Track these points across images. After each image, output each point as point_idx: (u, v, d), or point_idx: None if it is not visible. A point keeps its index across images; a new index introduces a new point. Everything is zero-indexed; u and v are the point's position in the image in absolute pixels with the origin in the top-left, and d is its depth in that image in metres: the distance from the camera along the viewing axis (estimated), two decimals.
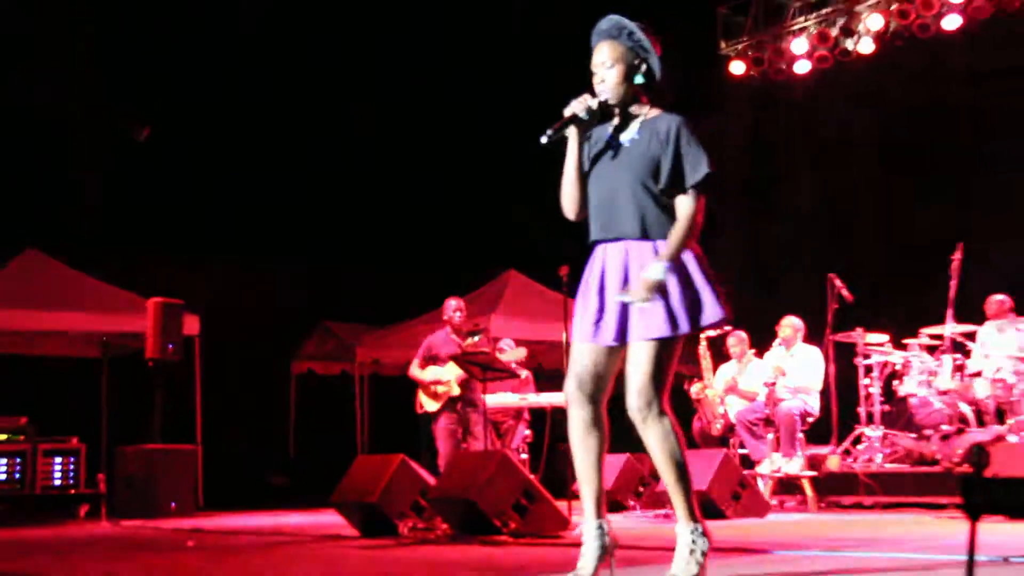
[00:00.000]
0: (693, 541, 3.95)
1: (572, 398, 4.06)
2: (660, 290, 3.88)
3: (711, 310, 3.95)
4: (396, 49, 15.52)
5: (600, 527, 4.00)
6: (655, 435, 3.93)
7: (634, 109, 4.13)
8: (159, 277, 12.32)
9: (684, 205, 4.00)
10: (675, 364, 4.00)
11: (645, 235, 3.99)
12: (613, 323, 3.98)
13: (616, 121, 4.15)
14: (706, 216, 4.05)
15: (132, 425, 11.62)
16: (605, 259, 4.06)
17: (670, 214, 4.01)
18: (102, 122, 14.84)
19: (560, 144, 4.09)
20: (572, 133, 4.08)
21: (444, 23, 15.01)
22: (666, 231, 3.99)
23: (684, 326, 3.92)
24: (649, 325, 3.91)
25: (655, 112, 4.11)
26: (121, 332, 12.13)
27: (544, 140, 4.03)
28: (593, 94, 4.09)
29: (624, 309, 3.96)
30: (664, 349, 3.92)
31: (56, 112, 14.45)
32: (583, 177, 4.13)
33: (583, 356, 4.06)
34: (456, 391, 9.58)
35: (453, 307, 9.85)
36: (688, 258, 3.98)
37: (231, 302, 14.12)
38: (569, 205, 4.17)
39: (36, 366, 13.21)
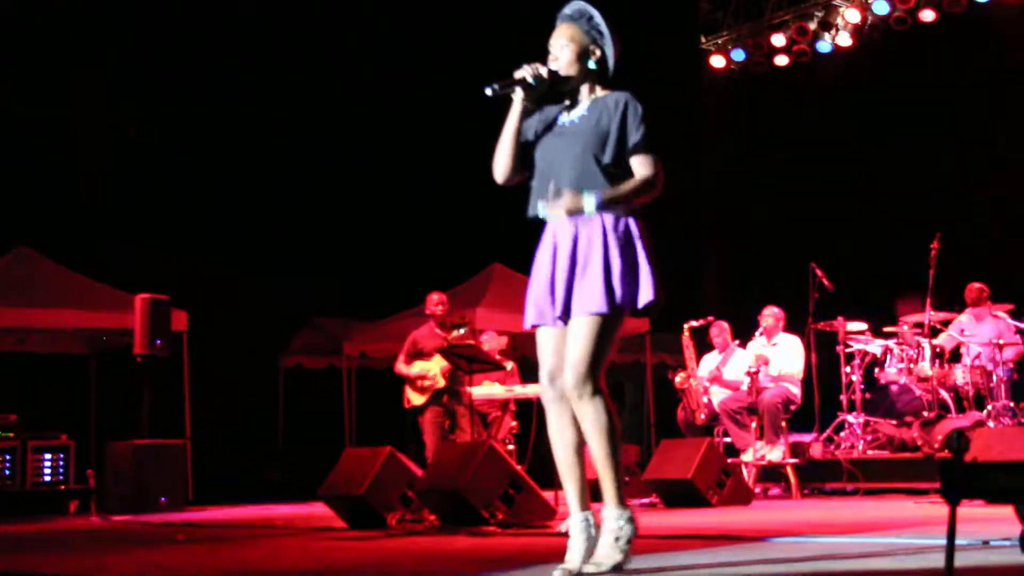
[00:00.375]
0: (620, 527, 3.91)
1: (546, 396, 4.06)
2: (576, 211, 3.92)
3: (646, 293, 3.94)
4: (391, 47, 15.44)
5: (586, 519, 3.96)
6: (589, 413, 3.90)
7: (584, 92, 4.14)
8: (148, 274, 12.26)
9: (642, 167, 4.01)
10: (614, 344, 3.97)
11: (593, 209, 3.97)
12: (561, 302, 3.97)
13: (567, 103, 4.16)
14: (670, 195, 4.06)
15: (121, 421, 11.60)
16: (556, 236, 4.05)
17: (619, 182, 4.00)
18: (98, 122, 14.80)
19: (504, 100, 4.09)
20: (518, 96, 4.07)
21: (444, 22, 14.91)
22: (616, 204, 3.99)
23: (619, 304, 3.91)
24: (586, 301, 3.91)
25: (605, 92, 4.12)
26: (109, 328, 12.10)
27: (488, 91, 4.04)
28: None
29: (570, 288, 3.95)
30: (602, 326, 3.90)
31: (53, 111, 14.41)
32: (518, 142, 4.12)
33: (548, 352, 4.04)
34: (442, 383, 9.58)
35: (435, 301, 9.87)
36: (635, 238, 3.98)
37: (219, 298, 14.07)
38: (500, 166, 4.16)
39: (25, 363, 13.16)
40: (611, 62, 4.11)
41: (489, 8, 14.54)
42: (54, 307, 11.72)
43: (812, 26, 13.58)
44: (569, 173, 3.99)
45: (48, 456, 10.57)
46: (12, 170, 13.85)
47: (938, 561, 3.18)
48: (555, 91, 4.15)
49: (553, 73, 4.08)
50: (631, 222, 4.00)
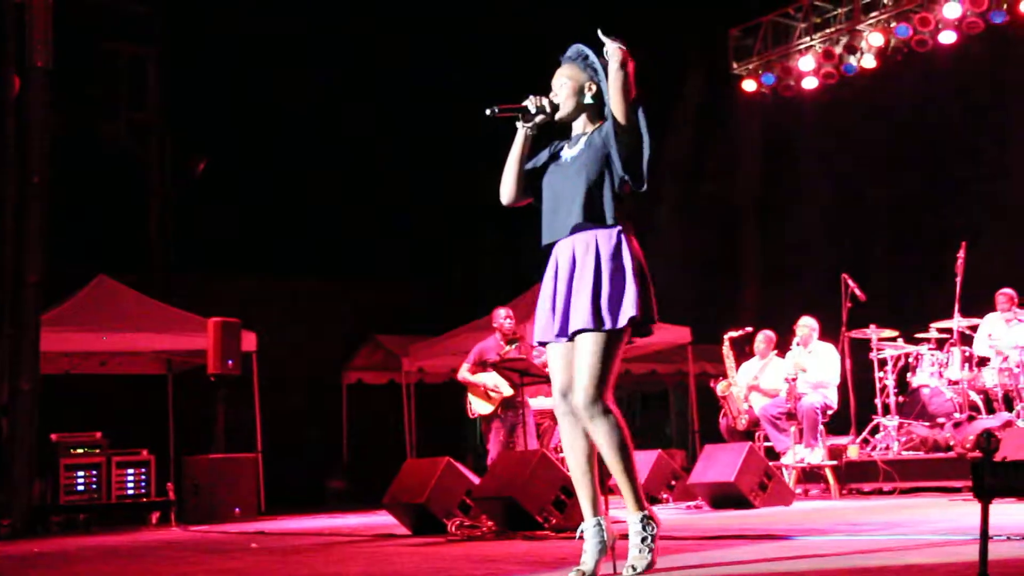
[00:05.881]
0: (643, 528, 3.97)
1: (558, 411, 4.09)
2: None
3: (629, 307, 3.93)
4: (436, 74, 15.46)
5: (598, 524, 4.01)
6: (602, 431, 3.94)
7: (583, 124, 4.22)
8: (219, 298, 12.40)
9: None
10: (618, 361, 4.00)
11: (589, 223, 4.01)
12: (559, 319, 4.03)
13: (571, 137, 4.24)
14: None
15: (197, 436, 11.71)
16: (557, 257, 4.12)
17: (619, 203, 4.03)
18: (166, 156, 15.01)
19: (505, 123, 4.21)
20: (520, 124, 4.19)
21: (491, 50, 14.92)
22: (612, 217, 4.01)
23: (608, 322, 3.92)
24: (581, 318, 3.95)
25: (600, 124, 4.18)
26: (184, 350, 12.23)
27: (488, 112, 4.16)
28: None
29: (567, 306, 4.00)
30: (603, 344, 3.93)
31: (125, 148, 14.63)
32: (522, 168, 4.22)
33: (558, 369, 4.09)
34: (509, 392, 9.42)
35: (503, 315, 9.71)
36: (626, 257, 4.00)
37: (284, 319, 14.20)
38: (505, 190, 4.26)
39: (108, 384, 13.34)
40: (606, 96, 4.15)
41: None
42: (133, 331, 11.88)
43: (838, 50, 13.53)
44: (570, 199, 4.07)
45: (131, 471, 10.68)
46: (91, 205, 14.08)
47: (973, 555, 3.15)
48: (559, 124, 4.25)
49: (553, 105, 4.20)
50: (623, 239, 4.02)
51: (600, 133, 4.11)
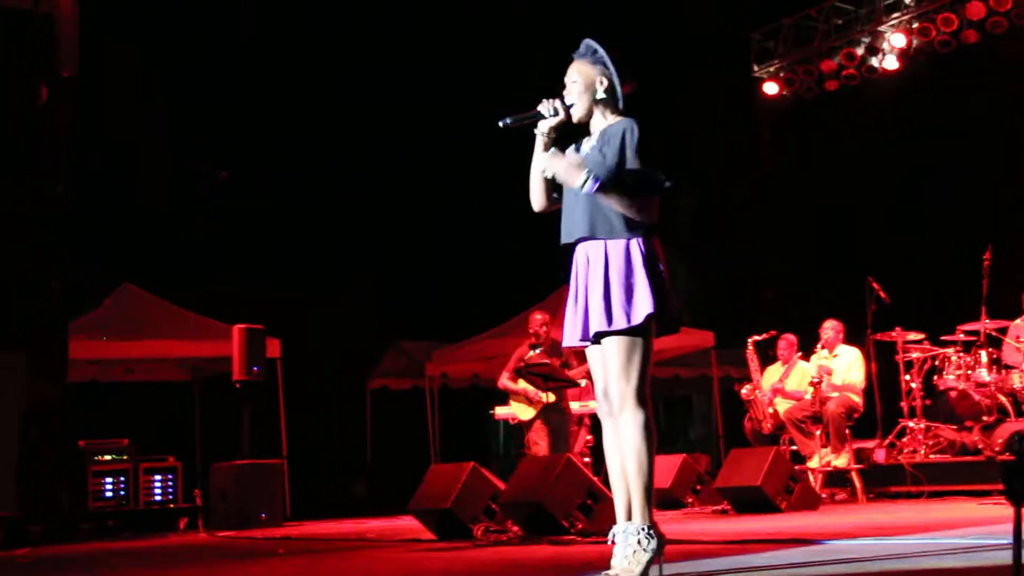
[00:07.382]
0: (639, 541, 3.87)
1: (601, 411, 4.08)
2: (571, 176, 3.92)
3: (643, 304, 3.90)
4: (453, 77, 15.45)
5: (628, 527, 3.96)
6: (624, 429, 3.93)
7: (598, 119, 4.17)
8: (243, 305, 12.42)
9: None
10: (649, 359, 3.97)
11: (595, 235, 4.00)
12: (580, 323, 4.02)
13: (589, 134, 4.21)
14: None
15: (223, 443, 11.73)
16: (576, 260, 4.11)
17: (620, 214, 3.99)
18: (189, 166, 15.09)
19: (523, 131, 4.18)
20: (538, 131, 4.16)
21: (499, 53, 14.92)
22: (615, 230, 3.98)
23: (622, 321, 3.90)
24: (594, 322, 3.95)
25: (615, 119, 4.13)
26: (210, 357, 12.27)
27: (501, 123, 4.13)
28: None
29: (586, 310, 3.99)
30: (626, 344, 3.92)
31: (149, 157, 14.72)
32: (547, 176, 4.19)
33: (598, 374, 4.07)
34: (552, 398, 9.32)
35: (539, 321, 9.64)
36: (636, 255, 3.96)
37: (309, 326, 14.21)
38: (532, 198, 4.27)
39: (135, 391, 13.40)
40: (619, 90, 4.13)
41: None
42: (158, 339, 11.93)
43: (860, 51, 13.49)
44: (579, 208, 4.04)
45: (158, 477, 10.74)
46: (115, 213, 14.16)
47: (1006, 559, 3.12)
48: (579, 124, 4.20)
49: (567, 105, 4.15)
50: (632, 244, 3.98)
51: (610, 136, 4.04)
